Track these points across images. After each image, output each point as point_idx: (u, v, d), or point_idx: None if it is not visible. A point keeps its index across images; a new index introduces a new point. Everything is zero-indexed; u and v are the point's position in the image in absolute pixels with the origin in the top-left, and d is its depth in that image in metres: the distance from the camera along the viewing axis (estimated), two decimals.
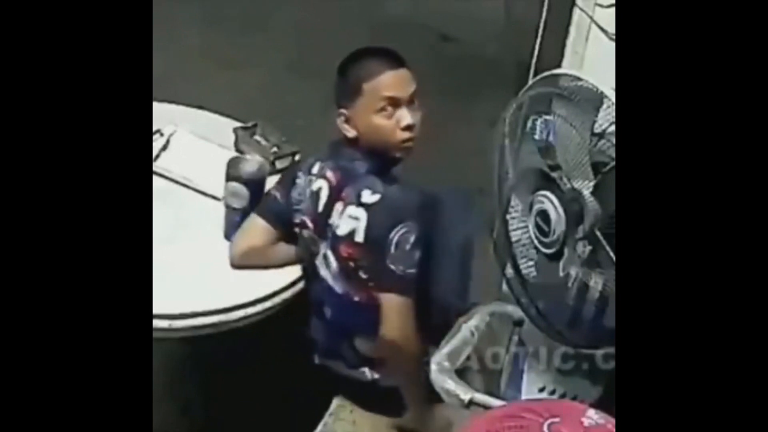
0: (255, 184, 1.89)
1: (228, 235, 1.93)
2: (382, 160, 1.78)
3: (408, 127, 1.74)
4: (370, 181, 1.74)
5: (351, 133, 1.77)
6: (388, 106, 1.73)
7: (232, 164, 1.90)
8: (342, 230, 1.74)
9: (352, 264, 1.75)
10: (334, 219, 1.76)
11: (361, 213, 1.72)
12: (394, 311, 1.72)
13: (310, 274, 1.87)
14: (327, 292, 1.82)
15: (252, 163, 1.92)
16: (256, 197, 1.90)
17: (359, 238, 1.72)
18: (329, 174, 1.81)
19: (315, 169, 1.84)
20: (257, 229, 1.89)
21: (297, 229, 1.86)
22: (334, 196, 1.78)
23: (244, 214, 1.90)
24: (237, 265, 1.89)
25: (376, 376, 1.82)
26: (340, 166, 1.79)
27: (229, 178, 1.89)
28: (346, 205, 1.74)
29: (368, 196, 1.72)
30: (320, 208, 1.80)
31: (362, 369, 1.83)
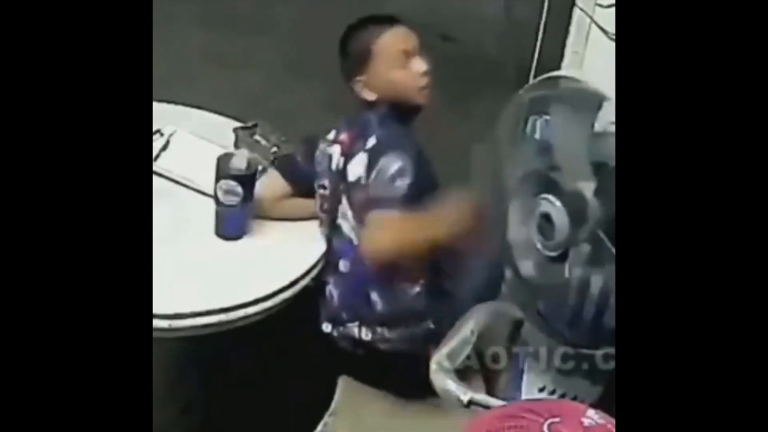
0: (247, 178, 1.90)
1: (222, 233, 1.93)
2: (402, 113, 1.85)
3: (425, 73, 1.84)
4: (375, 129, 1.81)
5: (371, 96, 1.86)
6: (402, 58, 1.84)
7: (222, 162, 1.89)
8: (351, 177, 1.81)
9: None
10: (347, 170, 1.83)
11: (365, 157, 1.78)
12: (373, 224, 1.72)
13: (331, 233, 1.92)
14: (345, 244, 1.88)
15: (240, 158, 1.91)
16: (250, 191, 1.91)
17: (364, 181, 1.78)
18: (343, 137, 1.89)
19: (331, 136, 1.92)
20: (271, 182, 2.01)
21: (320, 190, 1.94)
22: (347, 152, 1.85)
23: (241, 209, 1.90)
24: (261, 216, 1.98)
25: (392, 336, 1.84)
26: (358, 123, 1.86)
27: (221, 176, 1.88)
28: (355, 155, 1.81)
29: (371, 142, 1.79)
30: (334, 167, 1.88)
31: (379, 329, 1.85)
